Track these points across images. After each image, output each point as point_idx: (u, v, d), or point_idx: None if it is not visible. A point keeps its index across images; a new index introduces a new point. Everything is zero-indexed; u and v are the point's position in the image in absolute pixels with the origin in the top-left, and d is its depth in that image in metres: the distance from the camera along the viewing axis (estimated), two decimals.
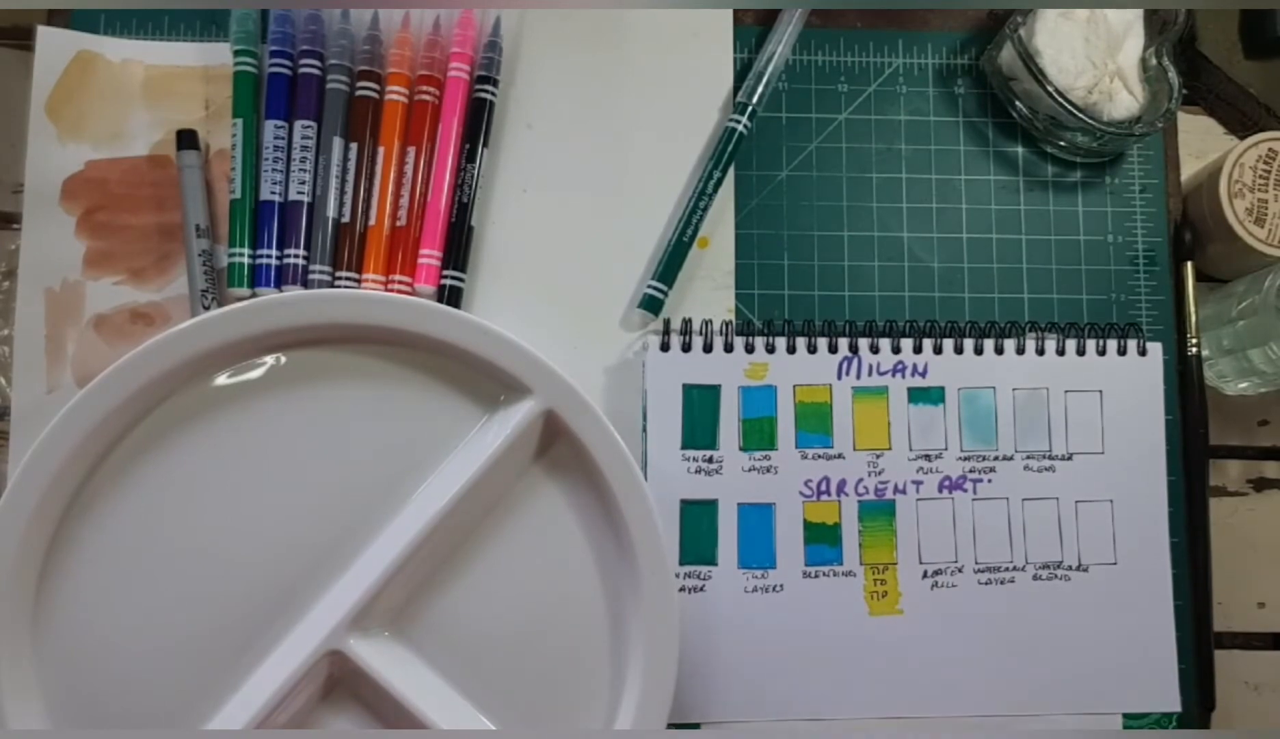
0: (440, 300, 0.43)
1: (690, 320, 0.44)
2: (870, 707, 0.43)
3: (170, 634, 0.37)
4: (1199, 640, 0.45)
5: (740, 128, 0.45)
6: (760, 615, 0.43)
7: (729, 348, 0.44)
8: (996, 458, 0.45)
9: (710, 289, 0.46)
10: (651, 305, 0.44)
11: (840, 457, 0.44)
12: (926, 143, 0.48)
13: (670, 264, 0.44)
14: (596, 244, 0.46)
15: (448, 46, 0.45)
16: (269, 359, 0.39)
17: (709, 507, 0.43)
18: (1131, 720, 0.44)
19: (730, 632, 0.43)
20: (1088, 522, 0.44)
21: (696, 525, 0.43)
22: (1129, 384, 0.45)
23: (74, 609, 0.37)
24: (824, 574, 0.43)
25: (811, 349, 0.44)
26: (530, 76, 0.46)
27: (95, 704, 0.37)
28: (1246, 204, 0.45)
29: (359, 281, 0.43)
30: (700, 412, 0.44)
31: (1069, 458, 0.45)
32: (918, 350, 0.45)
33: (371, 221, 0.44)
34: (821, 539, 0.43)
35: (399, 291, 0.43)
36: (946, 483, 0.44)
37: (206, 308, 0.42)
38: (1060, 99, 0.44)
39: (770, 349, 0.44)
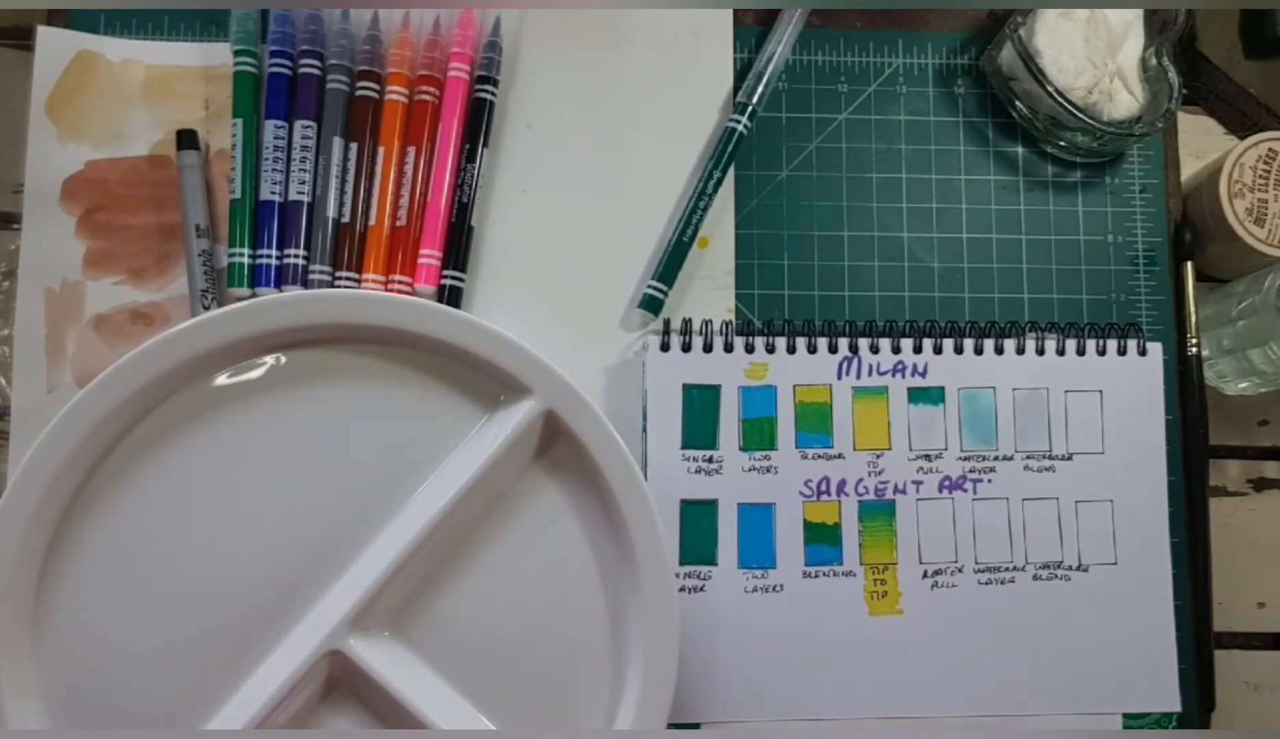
0: (440, 300, 0.43)
1: (690, 320, 0.44)
2: (870, 707, 0.43)
3: (170, 634, 0.37)
4: (1199, 640, 0.45)
5: (740, 128, 0.45)
6: (760, 615, 0.43)
7: (729, 348, 0.44)
8: (996, 458, 0.45)
9: (710, 289, 0.46)
10: (651, 305, 0.44)
11: (840, 457, 0.44)
12: (926, 143, 0.48)
13: (670, 264, 0.44)
14: (596, 244, 0.46)
15: (448, 46, 0.45)
16: (269, 359, 0.39)
17: (709, 507, 0.43)
18: (1131, 720, 0.44)
19: (730, 632, 0.43)
20: (1088, 522, 0.44)
21: (696, 525, 0.43)
22: (1129, 384, 0.45)
23: (74, 609, 0.37)
24: (824, 574, 0.43)
25: (811, 349, 0.44)
26: (530, 76, 0.46)
27: (95, 704, 0.37)
28: (1246, 204, 0.45)
29: (359, 282, 0.43)
30: (700, 412, 0.44)
31: (1069, 458, 0.45)
32: (918, 350, 0.45)
33: (371, 221, 0.44)
34: (821, 539, 0.43)
35: (399, 291, 0.43)
36: (946, 483, 0.44)
37: (206, 308, 0.42)
38: (1060, 99, 0.44)
39: (770, 349, 0.44)
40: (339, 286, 0.43)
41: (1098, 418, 0.45)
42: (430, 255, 0.43)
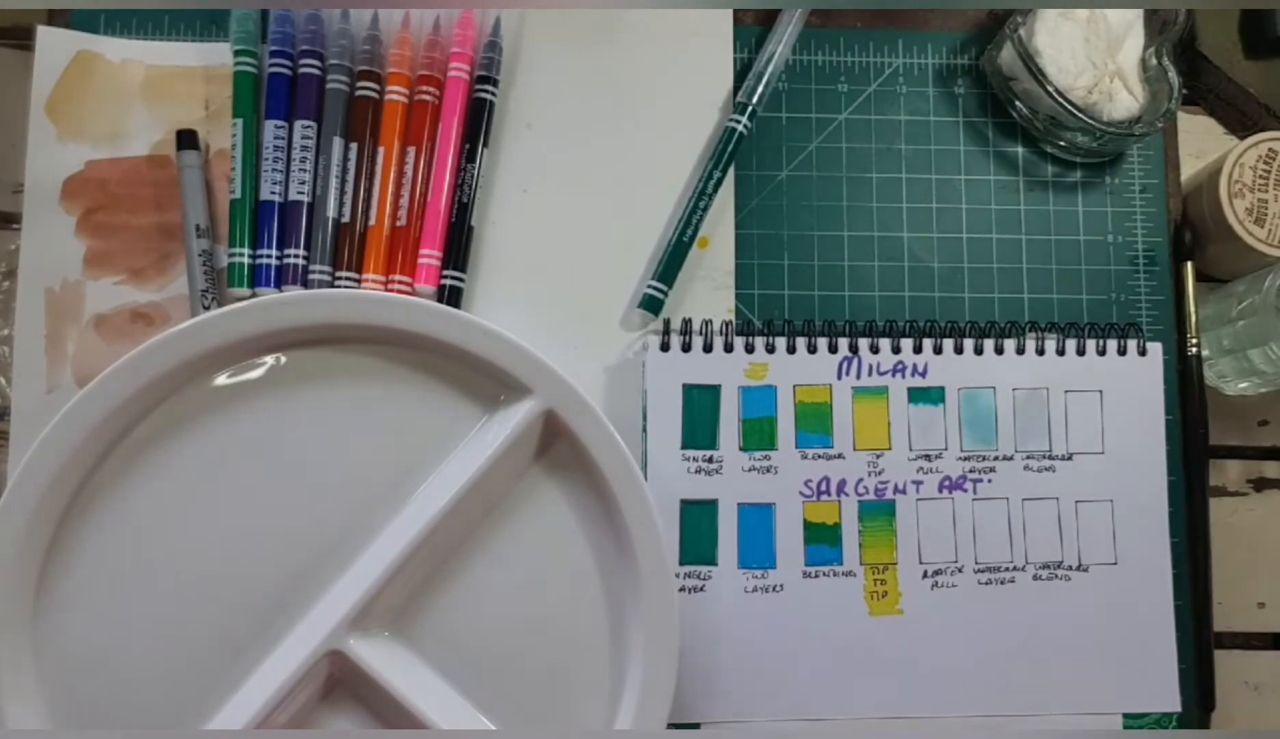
0: (440, 300, 0.43)
1: (690, 320, 0.44)
2: (870, 707, 0.43)
3: (170, 634, 0.37)
4: (1199, 640, 0.45)
5: (740, 128, 0.45)
6: (760, 615, 0.43)
7: (729, 348, 0.44)
8: (996, 458, 0.45)
9: (710, 289, 0.46)
10: (651, 305, 0.44)
11: (840, 457, 0.44)
12: (926, 143, 0.48)
13: (670, 264, 0.44)
14: (596, 244, 0.46)
15: (448, 46, 0.45)
16: (269, 359, 0.39)
17: (709, 507, 0.43)
18: (1131, 720, 0.44)
19: (730, 632, 0.43)
20: (1088, 522, 0.44)
21: (696, 525, 0.43)
22: (1129, 384, 0.45)
23: (74, 609, 0.37)
24: (824, 574, 0.43)
25: (811, 349, 0.44)
26: (530, 76, 0.46)
27: (95, 704, 0.37)
28: (1246, 204, 0.45)
29: (359, 282, 0.43)
30: (700, 412, 0.44)
31: (1069, 458, 0.45)
32: (918, 350, 0.45)
33: (371, 221, 0.44)
34: (821, 539, 0.43)
35: (399, 291, 0.43)
36: (946, 483, 0.44)
37: (206, 308, 0.42)
38: (1060, 99, 0.44)
39: (770, 349, 0.44)
40: (339, 286, 0.43)
41: (1098, 418, 0.45)
42: (430, 255, 0.43)
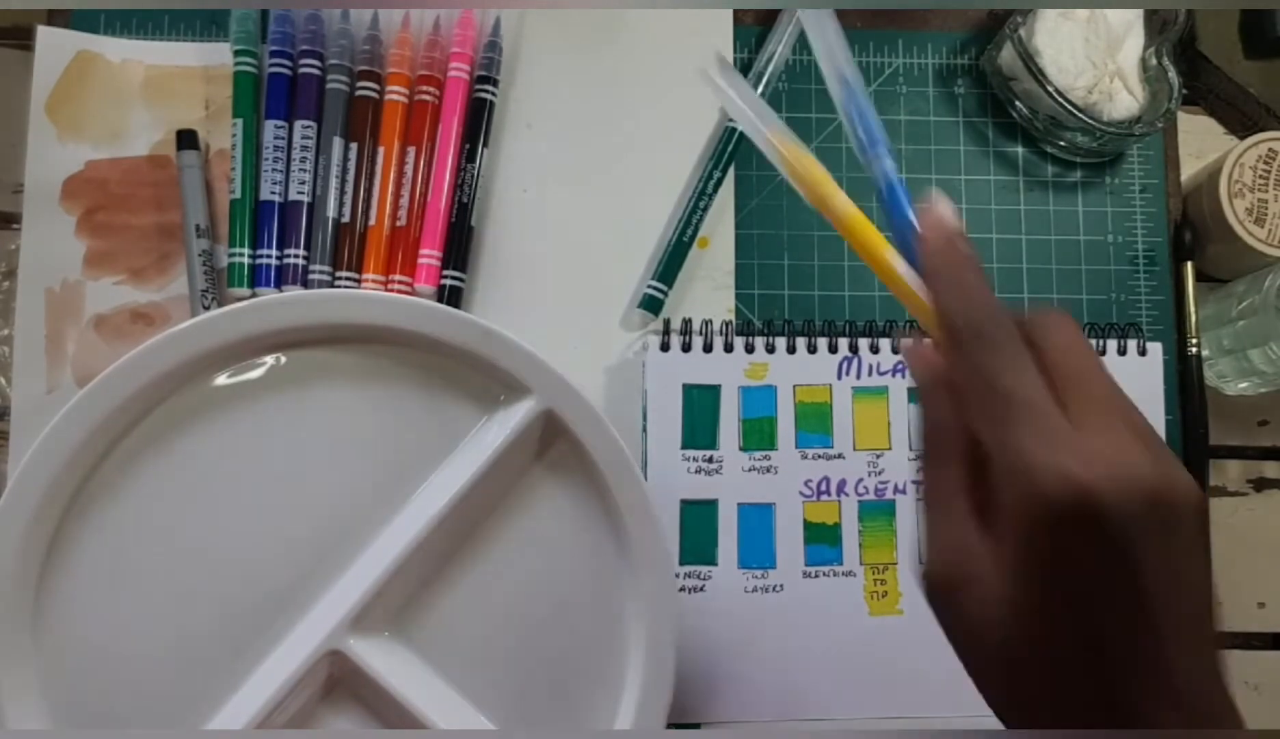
0: (440, 300, 0.43)
1: (690, 320, 0.44)
2: (870, 707, 0.43)
3: (170, 634, 0.37)
4: None
5: (740, 127, 0.45)
6: (760, 615, 0.43)
7: (729, 348, 0.44)
8: None
9: (710, 289, 0.46)
10: (651, 305, 0.44)
11: (840, 457, 0.44)
12: (926, 143, 0.48)
13: (670, 264, 0.44)
14: (596, 244, 0.46)
15: (448, 46, 0.45)
16: (269, 359, 0.39)
17: (709, 507, 0.43)
18: None
19: (730, 632, 0.43)
20: None
21: (696, 525, 0.43)
22: (1129, 384, 0.44)
23: (74, 609, 0.37)
24: (824, 574, 0.43)
25: (811, 349, 0.44)
26: (530, 76, 0.46)
27: (95, 704, 0.37)
28: (1246, 204, 0.45)
29: (359, 281, 0.43)
30: (700, 412, 0.44)
31: None
32: None
33: (371, 221, 0.44)
34: (821, 539, 0.43)
35: (399, 291, 0.43)
36: None
37: (206, 308, 0.42)
38: (1060, 99, 0.44)
39: (770, 349, 0.44)
40: (339, 286, 0.43)
41: None
42: (430, 255, 0.43)
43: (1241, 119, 0.51)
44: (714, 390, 0.44)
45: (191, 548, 0.38)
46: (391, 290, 0.43)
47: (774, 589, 0.43)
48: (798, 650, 0.43)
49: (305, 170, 0.43)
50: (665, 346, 0.44)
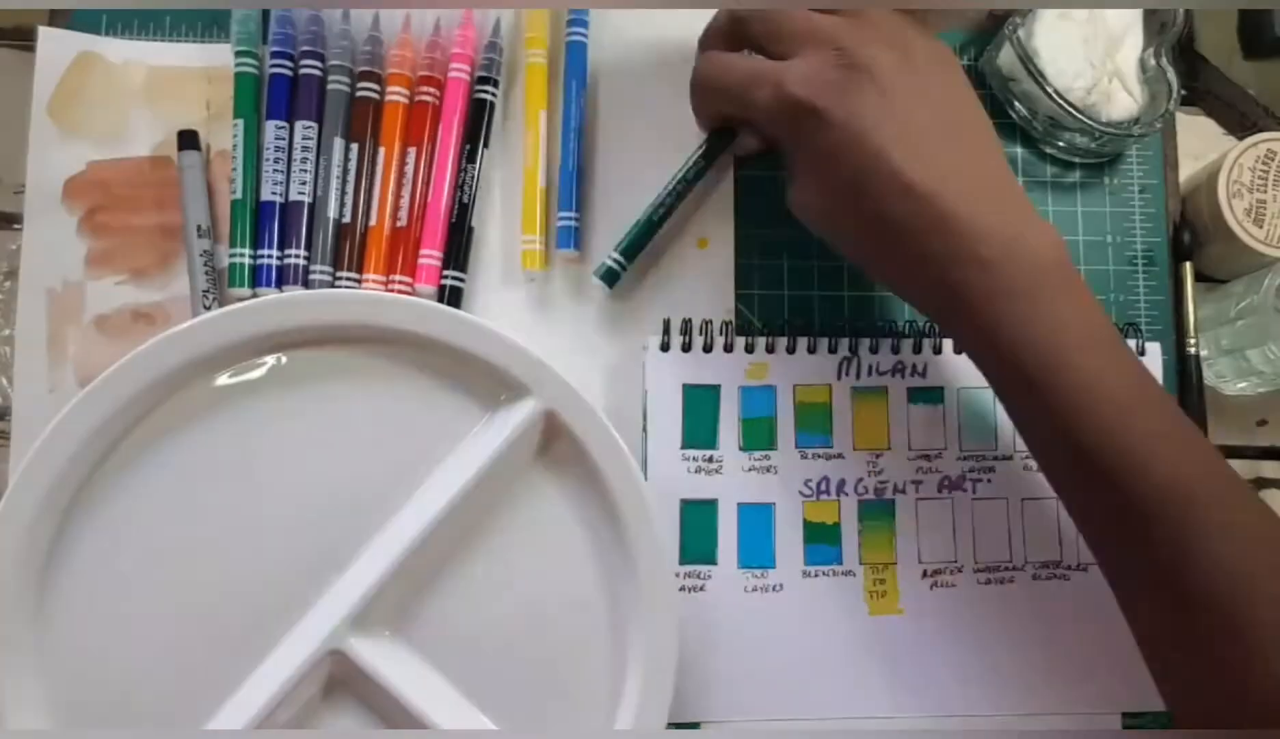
0: (440, 300, 0.43)
1: (690, 320, 0.44)
2: (870, 707, 0.43)
3: (171, 634, 0.37)
4: None
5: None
6: (760, 615, 0.43)
7: (729, 348, 0.44)
8: (996, 458, 0.45)
9: (710, 289, 0.46)
10: (609, 276, 0.44)
11: (840, 456, 0.44)
12: None
13: (635, 240, 0.43)
14: None
15: (448, 47, 0.45)
16: (269, 359, 0.39)
17: (709, 506, 0.43)
18: (1130, 720, 0.44)
19: (730, 631, 0.43)
20: None
21: (696, 525, 0.43)
22: None
23: (75, 609, 0.37)
24: (824, 574, 0.43)
25: (811, 349, 0.45)
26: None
27: (95, 704, 0.37)
28: (1245, 204, 0.46)
29: (359, 282, 0.43)
30: (700, 412, 0.44)
31: None
32: (917, 350, 0.45)
33: (372, 222, 0.44)
34: (821, 539, 0.44)
35: (399, 292, 0.43)
36: (946, 482, 0.44)
37: (208, 308, 0.42)
38: (1059, 100, 0.44)
39: (770, 349, 0.44)
40: (340, 287, 0.43)
41: None
42: (430, 255, 0.43)
43: (1240, 119, 0.51)
44: (714, 390, 0.44)
45: (192, 548, 0.38)
46: (392, 290, 0.43)
47: (774, 589, 0.43)
48: (797, 650, 0.43)
49: (306, 171, 0.43)
50: (665, 347, 0.44)
